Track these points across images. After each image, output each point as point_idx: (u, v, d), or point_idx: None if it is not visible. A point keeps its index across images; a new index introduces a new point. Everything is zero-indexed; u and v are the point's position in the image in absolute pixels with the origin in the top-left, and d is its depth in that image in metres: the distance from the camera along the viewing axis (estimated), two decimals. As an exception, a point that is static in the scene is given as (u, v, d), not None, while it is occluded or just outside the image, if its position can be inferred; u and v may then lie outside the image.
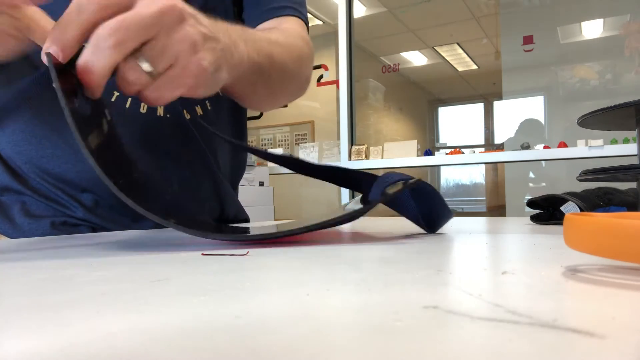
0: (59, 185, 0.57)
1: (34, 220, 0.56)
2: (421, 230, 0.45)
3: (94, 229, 0.58)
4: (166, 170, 0.59)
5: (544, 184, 3.45)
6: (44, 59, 0.33)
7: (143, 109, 0.57)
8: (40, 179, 0.57)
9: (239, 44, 0.45)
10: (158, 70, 0.36)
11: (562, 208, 0.55)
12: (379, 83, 5.26)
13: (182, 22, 0.36)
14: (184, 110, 0.60)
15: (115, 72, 0.35)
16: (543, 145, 2.48)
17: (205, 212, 0.65)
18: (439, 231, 0.44)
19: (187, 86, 0.38)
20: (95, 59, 0.33)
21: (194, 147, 0.62)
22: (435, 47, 5.41)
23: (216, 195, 0.66)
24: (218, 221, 0.68)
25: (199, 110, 0.62)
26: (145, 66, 0.35)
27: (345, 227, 0.54)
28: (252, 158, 3.13)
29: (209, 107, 0.63)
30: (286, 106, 4.50)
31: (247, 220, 0.76)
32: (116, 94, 0.55)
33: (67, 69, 0.34)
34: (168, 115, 0.58)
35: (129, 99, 0.56)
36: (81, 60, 0.34)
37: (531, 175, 3.50)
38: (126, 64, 0.35)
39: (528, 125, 3.46)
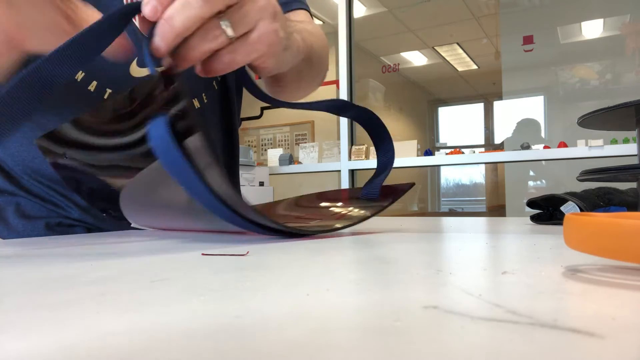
0: (53, 186, 0.56)
1: (29, 221, 0.55)
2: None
3: (89, 229, 0.57)
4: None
5: (544, 184, 3.45)
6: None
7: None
8: (34, 180, 0.56)
9: (293, 33, 0.47)
10: (238, 33, 0.37)
11: (562, 208, 0.55)
12: (379, 83, 5.26)
13: None
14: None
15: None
16: (543, 145, 2.48)
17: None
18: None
19: (260, 53, 0.39)
20: (182, 11, 0.34)
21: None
22: (435, 47, 5.41)
23: None
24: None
25: (196, 103, 0.62)
26: (228, 29, 0.36)
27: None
28: (252, 158, 3.13)
29: (205, 100, 0.63)
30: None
31: None
32: (109, 91, 0.54)
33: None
34: None
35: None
36: (168, 11, 0.35)
37: (531, 173, 3.50)
38: (210, 23, 0.36)
39: (525, 125, 3.46)
